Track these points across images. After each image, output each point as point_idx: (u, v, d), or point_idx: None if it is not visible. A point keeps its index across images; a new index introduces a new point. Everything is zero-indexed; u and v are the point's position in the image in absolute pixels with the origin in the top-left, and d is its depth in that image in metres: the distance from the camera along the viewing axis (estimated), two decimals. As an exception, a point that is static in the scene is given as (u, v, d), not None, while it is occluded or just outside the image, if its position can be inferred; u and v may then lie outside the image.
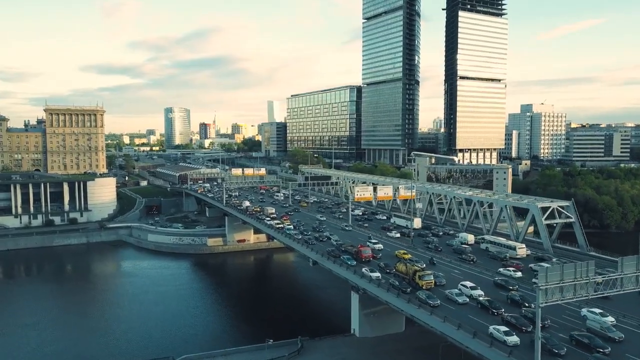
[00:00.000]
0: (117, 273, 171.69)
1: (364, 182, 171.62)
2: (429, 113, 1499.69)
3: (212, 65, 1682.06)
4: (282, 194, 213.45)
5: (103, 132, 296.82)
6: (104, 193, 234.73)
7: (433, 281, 72.71)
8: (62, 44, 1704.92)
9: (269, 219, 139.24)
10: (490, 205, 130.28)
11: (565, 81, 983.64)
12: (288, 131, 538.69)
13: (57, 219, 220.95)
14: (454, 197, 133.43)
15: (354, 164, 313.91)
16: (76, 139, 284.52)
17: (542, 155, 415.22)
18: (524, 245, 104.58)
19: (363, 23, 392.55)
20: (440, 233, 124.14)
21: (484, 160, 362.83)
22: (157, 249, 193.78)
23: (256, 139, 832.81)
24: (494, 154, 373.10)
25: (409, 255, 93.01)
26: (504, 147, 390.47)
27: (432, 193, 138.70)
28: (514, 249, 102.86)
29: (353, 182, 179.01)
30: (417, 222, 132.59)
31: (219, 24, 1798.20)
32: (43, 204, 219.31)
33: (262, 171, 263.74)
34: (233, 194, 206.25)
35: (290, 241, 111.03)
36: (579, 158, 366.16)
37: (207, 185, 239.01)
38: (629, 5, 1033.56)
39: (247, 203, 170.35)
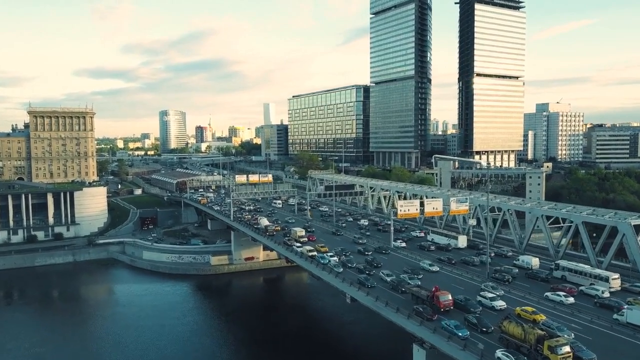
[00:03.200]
0: (106, 301, 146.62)
1: (399, 193, 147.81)
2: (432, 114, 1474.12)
3: (206, 68, 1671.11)
4: (279, 202, 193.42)
5: (93, 136, 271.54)
6: (93, 204, 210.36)
7: (571, 354, 48.57)
8: (55, 48, 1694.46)
9: (298, 244, 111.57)
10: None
11: (558, 81, 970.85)
12: (289, 133, 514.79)
13: (40, 234, 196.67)
14: (509, 209, 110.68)
15: (365, 168, 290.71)
16: (63, 143, 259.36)
17: (560, 157, 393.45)
18: (617, 275, 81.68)
19: (371, 18, 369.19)
20: (492, 254, 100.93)
21: (502, 163, 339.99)
22: (154, 269, 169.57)
23: (254, 141, 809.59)
24: (512, 156, 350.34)
25: (542, 317, 61.22)
26: (522, 148, 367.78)
27: (478, 205, 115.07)
28: (606, 279, 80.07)
29: (397, 194, 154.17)
30: (463, 240, 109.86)
31: (213, 27, 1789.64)
32: (24, 218, 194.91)
33: (269, 177, 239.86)
34: (246, 207, 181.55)
35: (346, 286, 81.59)
36: (602, 160, 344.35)
37: (211, 195, 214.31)
38: (619, 6, 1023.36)
39: (265, 221, 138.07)
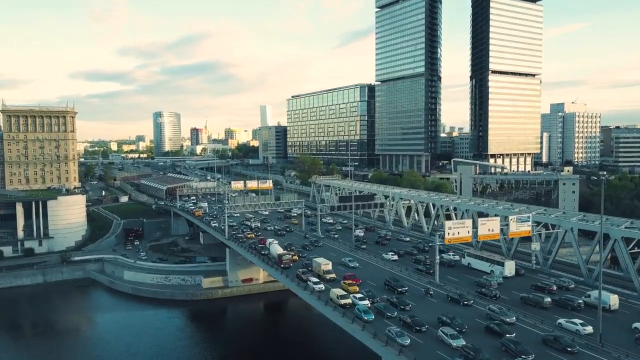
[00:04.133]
0: (74, 337, 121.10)
1: (421, 203, 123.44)
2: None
3: (202, 71, 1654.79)
4: (294, 213, 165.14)
5: (75, 137, 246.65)
6: (70, 214, 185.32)
7: None
8: (51, 51, 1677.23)
9: (318, 286, 79.70)
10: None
11: (553, 84, 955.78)
12: (288, 135, 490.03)
13: (7, 250, 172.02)
14: (572, 228, 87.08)
15: (373, 173, 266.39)
16: (41, 146, 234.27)
17: (577, 160, 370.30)
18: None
19: (376, 12, 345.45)
20: (553, 287, 77.25)
21: (517, 167, 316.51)
22: (136, 293, 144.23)
23: (251, 144, 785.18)
24: (528, 160, 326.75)
25: None
26: (539, 151, 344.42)
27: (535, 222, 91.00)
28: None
29: (423, 205, 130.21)
30: (510, 267, 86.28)
31: (209, 30, 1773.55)
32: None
33: (269, 184, 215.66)
34: (252, 223, 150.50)
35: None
36: (625, 163, 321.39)
37: (205, 204, 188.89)
38: (612, 9, 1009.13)
39: (278, 248, 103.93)
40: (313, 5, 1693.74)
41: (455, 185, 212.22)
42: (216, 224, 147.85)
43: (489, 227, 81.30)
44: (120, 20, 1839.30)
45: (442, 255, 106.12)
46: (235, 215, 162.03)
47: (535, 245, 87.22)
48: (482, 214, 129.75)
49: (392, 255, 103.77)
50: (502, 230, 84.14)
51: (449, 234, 79.02)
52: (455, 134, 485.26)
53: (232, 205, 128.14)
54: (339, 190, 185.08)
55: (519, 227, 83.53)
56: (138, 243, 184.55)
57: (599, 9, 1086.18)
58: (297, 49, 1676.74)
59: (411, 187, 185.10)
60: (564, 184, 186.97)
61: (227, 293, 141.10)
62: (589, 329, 60.09)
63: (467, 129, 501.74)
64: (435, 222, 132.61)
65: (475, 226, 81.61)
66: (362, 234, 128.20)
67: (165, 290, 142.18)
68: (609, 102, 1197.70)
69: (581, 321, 61.69)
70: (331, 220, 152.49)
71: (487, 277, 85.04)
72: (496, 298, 73.99)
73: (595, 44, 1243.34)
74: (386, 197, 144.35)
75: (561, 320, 63.14)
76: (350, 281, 79.71)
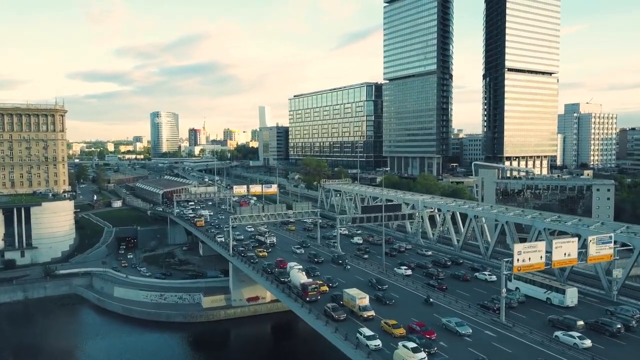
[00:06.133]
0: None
1: (474, 219, 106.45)
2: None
3: (200, 72, 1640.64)
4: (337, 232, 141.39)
5: (64, 137, 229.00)
6: (56, 222, 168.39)
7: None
8: (49, 51, 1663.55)
9: (373, 343, 57.95)
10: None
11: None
12: (290, 136, 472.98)
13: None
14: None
15: (384, 176, 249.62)
16: (27, 146, 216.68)
17: (592, 162, 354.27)
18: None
19: (384, 7, 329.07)
20: (633, 323, 61.32)
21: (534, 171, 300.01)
22: (127, 313, 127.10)
23: (250, 145, 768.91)
24: (544, 163, 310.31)
25: None
26: (556, 153, 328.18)
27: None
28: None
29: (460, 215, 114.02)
30: (572, 295, 70.26)
31: (207, 31, 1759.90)
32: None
33: (274, 188, 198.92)
34: (267, 240, 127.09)
35: None
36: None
37: (206, 212, 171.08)
38: (607, 11, 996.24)
39: (301, 276, 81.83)
40: (311, 6, 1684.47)
41: (477, 191, 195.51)
42: (222, 239, 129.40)
43: (566, 251, 64.50)
44: (119, 21, 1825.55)
45: (477, 274, 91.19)
46: (249, 229, 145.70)
47: (618, 272, 70.48)
48: (520, 227, 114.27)
49: (405, 269, 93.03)
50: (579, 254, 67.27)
51: (518, 260, 62.17)
52: (461, 135, 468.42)
53: (238, 216, 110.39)
54: (351, 195, 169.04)
55: (600, 249, 66.87)
56: (132, 256, 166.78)
57: (599, 9, 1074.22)
58: (295, 50, 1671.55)
59: (426, 192, 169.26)
60: (598, 189, 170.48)
61: (230, 314, 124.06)
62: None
63: (467, 130, 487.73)
64: (467, 234, 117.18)
65: (549, 249, 64.70)
66: (361, 242, 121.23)
67: (160, 311, 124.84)
68: (607, 104, 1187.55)
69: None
70: (346, 231, 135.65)
71: (508, 295, 69.96)
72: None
73: (595, 44, 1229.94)
74: (406, 204, 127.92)
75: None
76: (394, 322, 62.57)
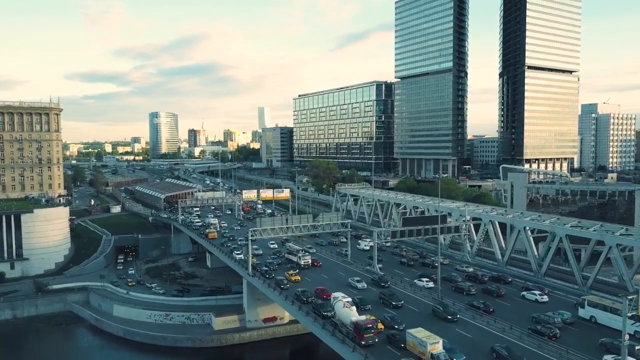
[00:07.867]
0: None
1: (524, 229, 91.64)
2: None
3: (199, 73, 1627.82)
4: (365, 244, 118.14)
5: (60, 138, 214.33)
6: (49, 230, 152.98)
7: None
8: (47, 52, 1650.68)
9: None
10: None
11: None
12: (295, 137, 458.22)
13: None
14: None
15: (401, 179, 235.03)
16: (20, 147, 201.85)
17: (611, 165, 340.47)
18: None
19: (396, 3, 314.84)
20: None
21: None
22: (129, 336, 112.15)
23: (251, 146, 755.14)
24: (564, 165, 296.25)
25: None
26: (577, 155, 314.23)
27: None
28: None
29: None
30: None
31: (205, 32, 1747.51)
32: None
33: (286, 193, 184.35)
34: (302, 260, 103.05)
35: None
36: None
37: (216, 221, 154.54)
38: (604, 14, 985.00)
39: (352, 312, 63.79)
40: (309, 8, 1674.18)
41: (505, 196, 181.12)
42: (241, 256, 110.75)
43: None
44: (117, 22, 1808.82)
45: (524, 293, 78.42)
46: (272, 245, 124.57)
47: None
48: (574, 239, 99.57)
49: (426, 281, 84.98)
50: None
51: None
52: (470, 136, 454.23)
53: (258, 229, 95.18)
54: (369, 201, 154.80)
55: None
56: (133, 271, 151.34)
57: (598, 10, 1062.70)
58: (293, 51, 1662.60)
59: (447, 197, 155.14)
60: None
61: (245, 338, 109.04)
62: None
63: (474, 131, 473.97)
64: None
65: None
66: (368, 248, 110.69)
67: (166, 335, 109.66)
68: (601, 107, 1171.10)
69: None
70: (368, 242, 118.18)
71: (552, 314, 65.02)
72: (556, 338, 58.67)
73: (605, 43, 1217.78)
74: (449, 214, 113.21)
75: None
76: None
